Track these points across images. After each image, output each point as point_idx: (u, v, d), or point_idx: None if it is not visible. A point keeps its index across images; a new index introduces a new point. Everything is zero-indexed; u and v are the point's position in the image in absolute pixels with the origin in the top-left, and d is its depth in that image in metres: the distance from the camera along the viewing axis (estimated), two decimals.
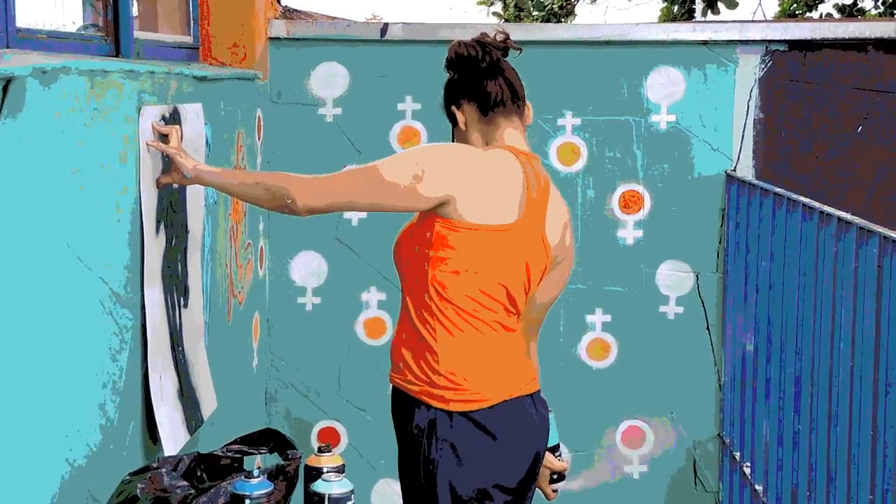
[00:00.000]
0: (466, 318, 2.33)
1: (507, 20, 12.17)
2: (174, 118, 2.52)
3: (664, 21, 10.81)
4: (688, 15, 10.75)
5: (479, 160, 2.35)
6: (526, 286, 2.40)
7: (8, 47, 2.05)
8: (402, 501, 2.48)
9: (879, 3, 10.30)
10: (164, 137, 2.39)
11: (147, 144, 2.32)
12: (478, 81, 2.43)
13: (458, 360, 2.32)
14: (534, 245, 2.37)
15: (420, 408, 2.33)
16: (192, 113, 2.68)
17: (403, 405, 2.39)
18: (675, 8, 10.74)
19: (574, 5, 12.23)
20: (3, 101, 1.63)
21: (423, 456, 2.32)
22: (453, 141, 2.52)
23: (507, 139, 2.44)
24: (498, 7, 12.39)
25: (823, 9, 10.84)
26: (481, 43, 2.43)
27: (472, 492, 2.33)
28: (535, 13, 12.09)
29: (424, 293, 2.33)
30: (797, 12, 10.72)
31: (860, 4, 10.51)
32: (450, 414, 2.31)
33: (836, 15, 10.55)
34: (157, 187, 2.39)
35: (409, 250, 2.37)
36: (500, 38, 2.45)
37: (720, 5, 9.35)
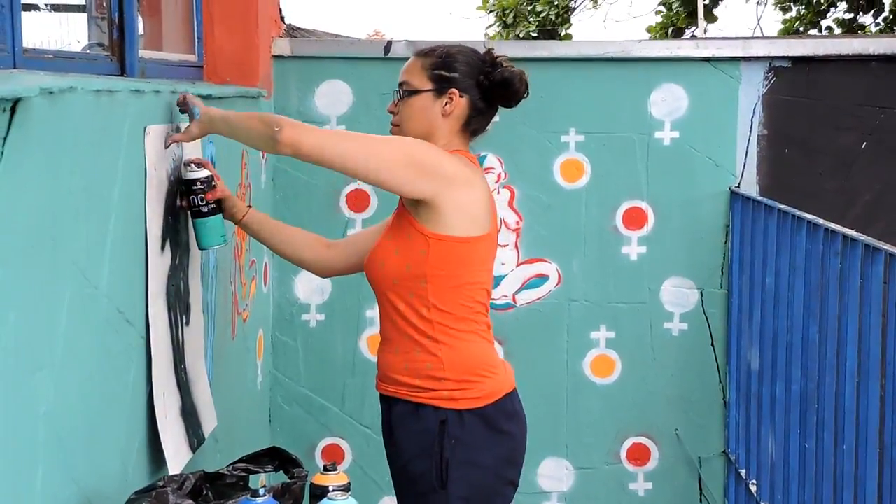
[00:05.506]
0: (464, 325, 2.40)
1: (506, 24, 12.30)
2: None
3: (660, 32, 10.88)
4: (680, 27, 10.81)
5: (468, 172, 2.41)
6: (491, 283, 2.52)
7: (14, 67, 2.05)
8: None
9: (880, 20, 10.34)
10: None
11: (181, 96, 2.38)
12: (492, 104, 2.49)
13: (461, 364, 2.38)
14: (496, 243, 2.50)
15: (427, 410, 2.38)
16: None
17: (405, 414, 2.42)
18: (675, 9, 10.79)
19: (570, 14, 12.35)
20: (10, 122, 1.63)
21: (435, 458, 2.35)
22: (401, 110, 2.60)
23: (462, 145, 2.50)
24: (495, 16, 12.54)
25: (824, 24, 10.88)
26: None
27: (488, 484, 2.39)
28: (531, 19, 12.21)
29: (422, 308, 2.38)
30: (800, 29, 10.76)
31: (860, 19, 10.55)
32: (460, 413, 2.36)
33: (837, 30, 10.59)
34: (165, 146, 2.39)
35: (398, 269, 2.39)
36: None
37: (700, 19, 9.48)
